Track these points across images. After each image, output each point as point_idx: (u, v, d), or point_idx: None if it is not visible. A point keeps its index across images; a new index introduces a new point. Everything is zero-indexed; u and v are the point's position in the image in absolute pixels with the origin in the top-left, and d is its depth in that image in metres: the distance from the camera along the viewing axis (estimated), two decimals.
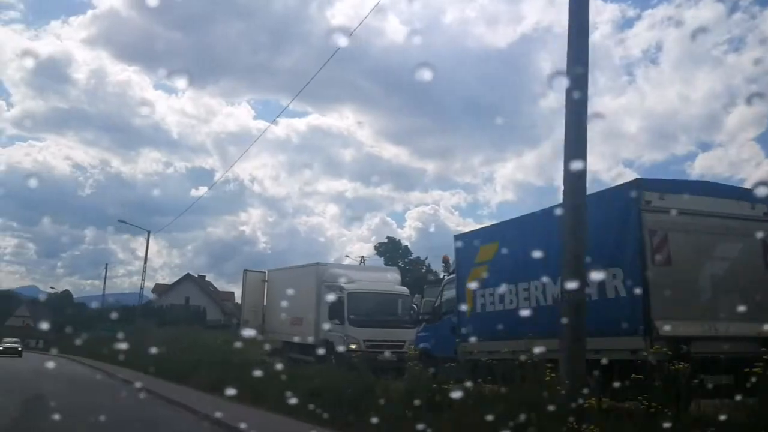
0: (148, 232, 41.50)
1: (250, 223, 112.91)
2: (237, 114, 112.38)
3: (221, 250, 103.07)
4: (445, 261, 15.28)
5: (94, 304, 67.20)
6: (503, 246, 12.20)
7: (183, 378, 19.68)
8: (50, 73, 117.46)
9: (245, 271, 24.31)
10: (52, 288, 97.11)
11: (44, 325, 72.77)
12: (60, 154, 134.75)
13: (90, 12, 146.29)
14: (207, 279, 71.73)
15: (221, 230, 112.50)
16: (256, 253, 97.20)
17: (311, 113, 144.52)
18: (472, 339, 12.56)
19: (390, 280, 20.50)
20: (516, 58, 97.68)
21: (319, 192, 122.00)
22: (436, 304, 14.80)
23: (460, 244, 13.51)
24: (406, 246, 76.25)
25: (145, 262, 42.42)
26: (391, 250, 73.48)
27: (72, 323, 64.32)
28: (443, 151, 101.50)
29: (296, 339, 20.65)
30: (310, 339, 19.96)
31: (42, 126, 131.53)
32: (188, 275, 67.48)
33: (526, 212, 13.51)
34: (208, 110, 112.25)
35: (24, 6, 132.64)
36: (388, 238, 76.36)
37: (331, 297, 19.45)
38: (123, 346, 29.90)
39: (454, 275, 14.12)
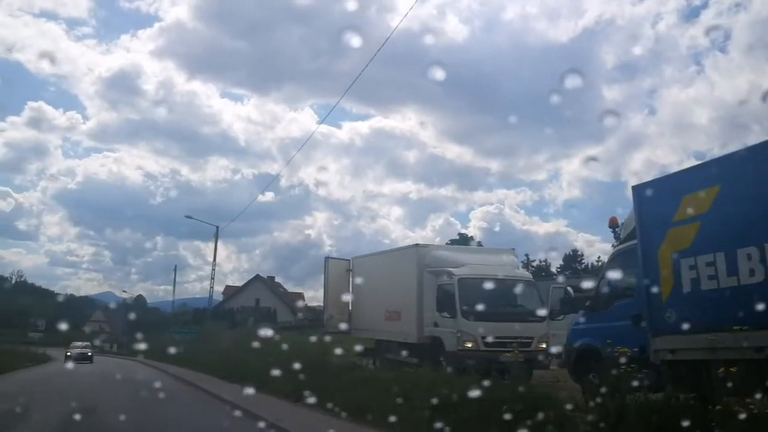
0: (216, 228, 39.23)
1: (316, 227, 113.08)
2: (300, 119, 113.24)
3: (288, 254, 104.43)
4: (614, 225, 11.28)
5: (165, 309, 66.36)
6: (730, 189, 8.22)
7: (260, 383, 16.62)
8: (122, 86, 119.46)
9: (327, 258, 20.95)
10: (124, 291, 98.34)
11: (117, 329, 72.62)
12: (132, 164, 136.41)
13: (157, 25, 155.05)
14: (276, 281, 69.68)
15: (287, 234, 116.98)
16: (321, 256, 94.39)
17: (374, 116, 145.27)
18: (677, 330, 8.63)
19: (507, 263, 16.61)
20: (578, 52, 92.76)
21: (384, 194, 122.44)
22: (602, 288, 10.86)
23: (645, 196, 9.55)
24: (479, 242, 71.78)
25: (215, 260, 40.13)
26: None
27: (144, 327, 63.50)
28: (507, 149, 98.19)
29: (394, 337, 17.11)
30: (412, 336, 16.37)
31: (115, 137, 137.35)
32: (257, 276, 65.51)
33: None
34: (273, 116, 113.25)
35: (96, 21, 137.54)
36: (459, 234, 72.18)
37: (437, 285, 15.82)
38: (192, 348, 27.51)
39: (631, 243, 10.16)
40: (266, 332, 15.91)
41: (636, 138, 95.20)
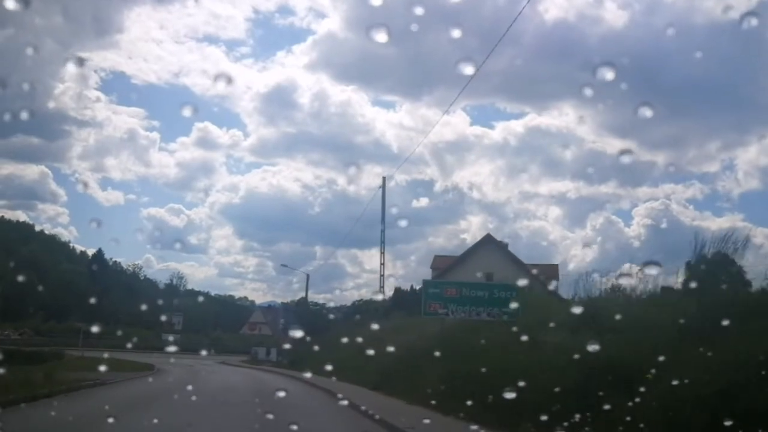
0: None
1: (471, 231, 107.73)
2: (453, 122, 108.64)
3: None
4: None
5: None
6: None
7: None
8: (278, 101, 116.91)
9: None
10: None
11: (278, 332, 51.94)
12: (291, 177, 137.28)
13: (310, 38, 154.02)
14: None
15: (442, 240, 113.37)
16: None
17: (528, 113, 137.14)
18: None
19: None
20: (752, 29, 69.55)
21: (540, 194, 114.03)
22: None
23: None
24: None
25: None
26: None
27: (313, 330, 42.41)
28: (674, 140, 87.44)
29: None
30: None
31: (274, 151, 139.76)
32: (488, 238, 41.12)
33: None
34: (426, 121, 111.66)
35: (253, 41, 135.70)
36: None
37: None
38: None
39: None
40: None
41: None
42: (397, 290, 36.85)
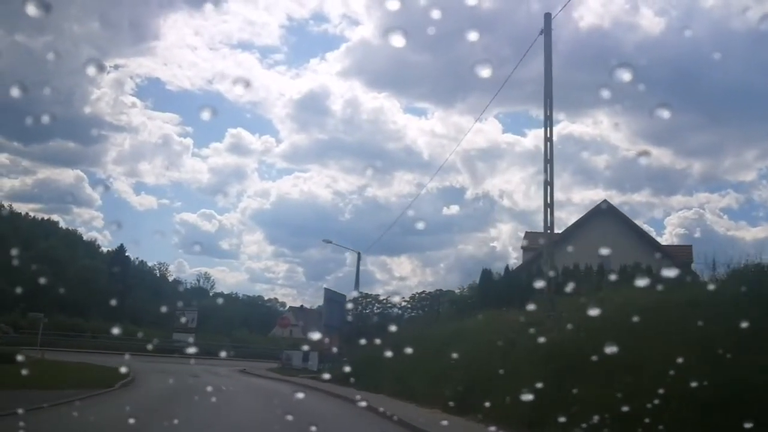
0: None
1: (501, 239, 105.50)
2: (486, 130, 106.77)
3: (473, 267, 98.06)
4: None
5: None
6: None
7: None
8: (311, 108, 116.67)
9: None
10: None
11: (326, 329, 41.86)
12: (322, 183, 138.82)
13: (343, 45, 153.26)
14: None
15: (472, 247, 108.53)
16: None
17: (560, 121, 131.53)
18: None
19: None
20: None
21: (573, 203, 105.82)
22: None
23: None
24: None
25: None
26: None
27: (375, 330, 32.44)
28: (711, 148, 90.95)
29: None
30: None
31: (306, 158, 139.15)
32: (606, 205, 31.23)
33: None
34: (458, 129, 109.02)
35: (287, 48, 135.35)
36: None
37: None
38: None
39: None
40: None
41: None
42: (485, 273, 26.39)
